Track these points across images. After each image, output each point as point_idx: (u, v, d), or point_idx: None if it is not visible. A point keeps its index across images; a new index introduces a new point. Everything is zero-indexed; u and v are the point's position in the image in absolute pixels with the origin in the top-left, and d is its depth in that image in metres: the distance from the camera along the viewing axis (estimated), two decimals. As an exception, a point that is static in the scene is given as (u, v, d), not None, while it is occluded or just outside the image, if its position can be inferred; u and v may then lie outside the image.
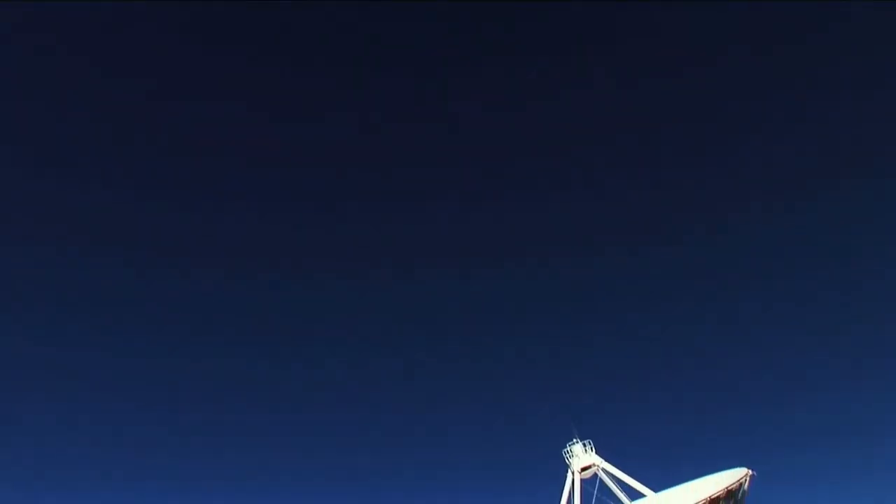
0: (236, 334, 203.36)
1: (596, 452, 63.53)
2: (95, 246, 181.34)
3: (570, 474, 63.11)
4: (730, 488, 55.47)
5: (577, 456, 63.56)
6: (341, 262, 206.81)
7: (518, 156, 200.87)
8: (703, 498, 54.22)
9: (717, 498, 54.61)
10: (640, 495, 62.01)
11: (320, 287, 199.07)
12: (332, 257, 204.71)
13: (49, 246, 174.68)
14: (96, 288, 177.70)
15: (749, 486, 56.89)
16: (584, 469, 62.89)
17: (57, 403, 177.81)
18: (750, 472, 57.16)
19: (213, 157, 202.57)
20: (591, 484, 62.62)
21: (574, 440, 64.57)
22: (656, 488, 62.89)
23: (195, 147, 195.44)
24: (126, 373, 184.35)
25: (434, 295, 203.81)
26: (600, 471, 62.26)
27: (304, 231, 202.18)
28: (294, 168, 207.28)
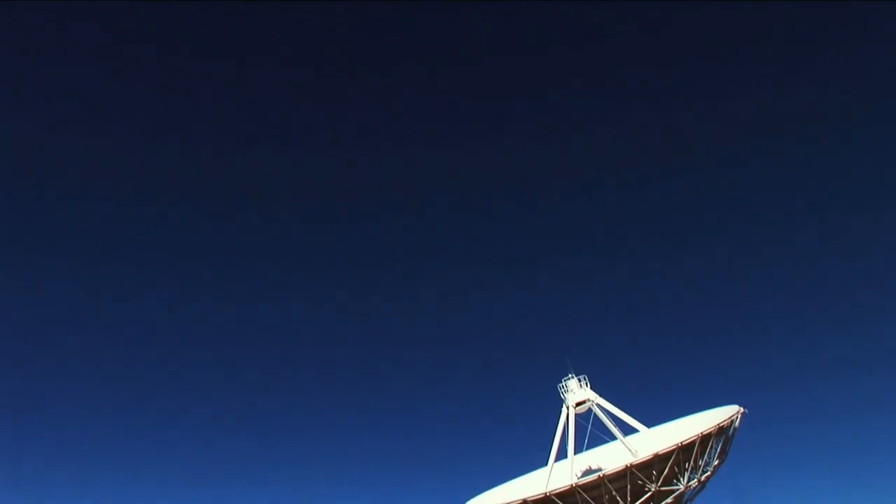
0: (236, 272, 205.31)
1: (591, 388, 64.02)
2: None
3: (564, 409, 63.61)
4: (721, 425, 56.34)
5: (572, 391, 63.99)
6: (338, 200, 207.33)
7: (514, 95, 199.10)
8: (694, 434, 55.06)
9: (709, 434, 55.46)
10: (634, 430, 62.83)
11: (320, 224, 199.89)
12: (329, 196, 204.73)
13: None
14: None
15: (740, 424, 57.78)
16: (578, 404, 63.36)
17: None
18: (741, 409, 57.97)
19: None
20: (586, 419, 63.46)
21: (569, 375, 64.96)
22: (649, 424, 63.90)
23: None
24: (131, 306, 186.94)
25: (433, 232, 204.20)
26: (594, 406, 62.78)
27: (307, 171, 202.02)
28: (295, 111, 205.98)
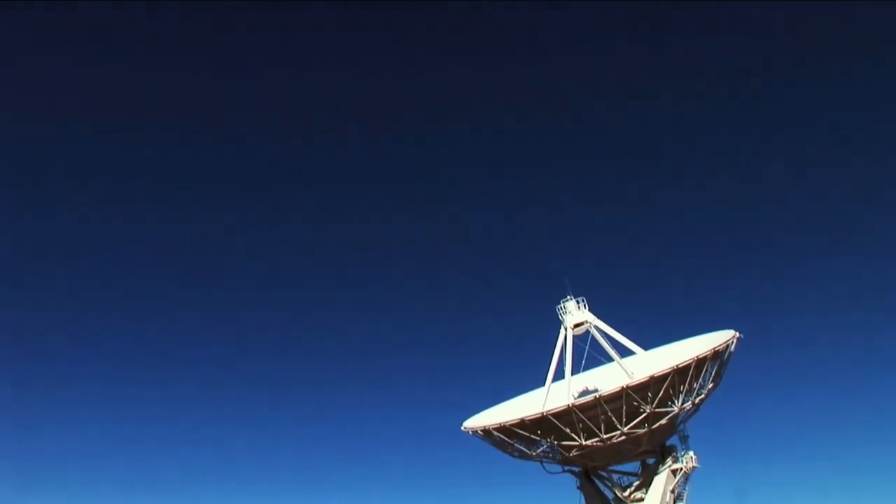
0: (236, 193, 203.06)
1: (589, 310, 64.48)
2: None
3: (562, 330, 64.22)
4: (717, 349, 57.33)
5: (570, 312, 64.38)
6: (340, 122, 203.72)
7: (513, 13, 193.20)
8: (690, 357, 55.97)
9: (704, 358, 56.37)
10: (630, 353, 63.55)
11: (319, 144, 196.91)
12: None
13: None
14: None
15: (735, 348, 58.68)
16: (576, 326, 63.88)
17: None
18: (737, 334, 58.73)
19: None
20: (584, 340, 64.06)
21: (568, 297, 65.21)
22: (646, 347, 64.68)
23: None
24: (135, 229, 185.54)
25: (435, 151, 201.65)
26: (592, 328, 63.28)
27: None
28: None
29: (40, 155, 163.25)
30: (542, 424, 58.31)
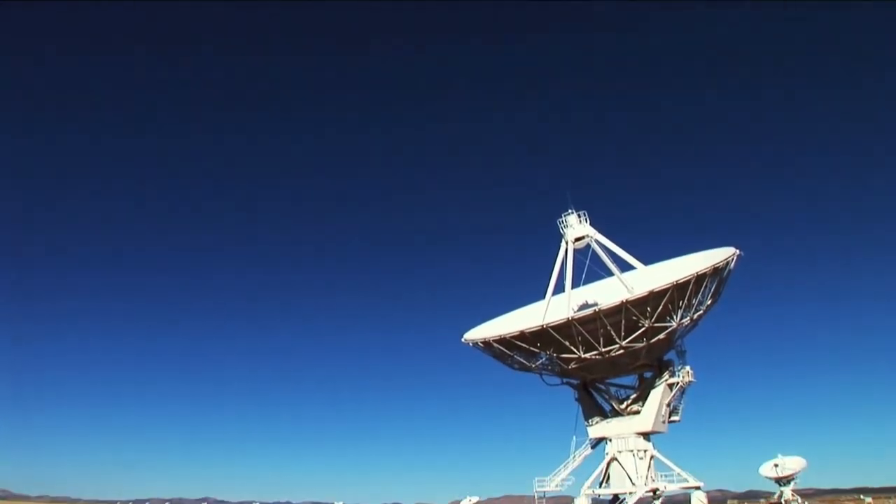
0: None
1: (590, 224, 64.40)
2: None
3: (563, 244, 64.34)
4: (716, 266, 57.36)
5: (571, 226, 64.42)
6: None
7: None
8: (690, 273, 56.08)
9: (704, 274, 56.57)
10: (631, 268, 63.85)
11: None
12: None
13: None
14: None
15: (735, 265, 58.58)
16: (577, 239, 63.99)
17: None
18: (737, 251, 58.54)
19: None
20: (584, 254, 64.28)
21: (569, 211, 65.17)
22: (646, 262, 64.84)
23: None
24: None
25: (439, 65, 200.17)
26: (593, 242, 63.36)
27: None
28: None
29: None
30: (541, 337, 59.10)
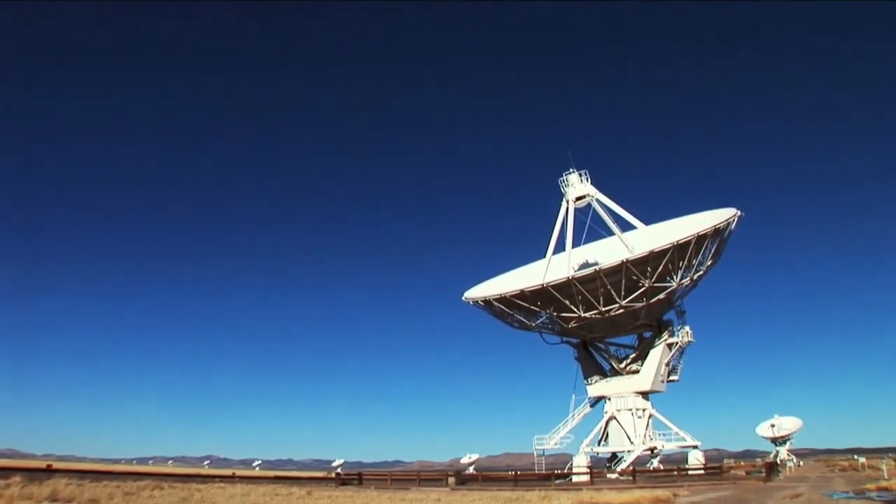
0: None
1: (591, 183, 64.10)
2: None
3: (564, 203, 64.15)
4: (717, 226, 57.23)
5: (572, 185, 64.17)
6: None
7: None
8: (691, 233, 56.04)
9: (705, 235, 56.46)
10: (631, 227, 63.69)
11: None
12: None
13: None
14: None
15: (736, 226, 58.47)
16: (578, 199, 63.79)
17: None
18: (738, 212, 58.38)
19: None
20: (585, 213, 64.13)
21: (570, 170, 64.85)
22: (647, 222, 64.77)
23: None
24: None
25: (439, 23, 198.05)
26: (594, 201, 63.11)
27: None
28: None
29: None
30: (541, 296, 59.25)
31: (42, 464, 55.49)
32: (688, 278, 58.15)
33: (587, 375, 66.25)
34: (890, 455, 79.95)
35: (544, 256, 64.59)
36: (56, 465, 55.31)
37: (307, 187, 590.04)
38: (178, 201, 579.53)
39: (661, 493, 35.24)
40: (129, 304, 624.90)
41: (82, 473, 44.28)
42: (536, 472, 65.61)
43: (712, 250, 58.70)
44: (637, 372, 63.64)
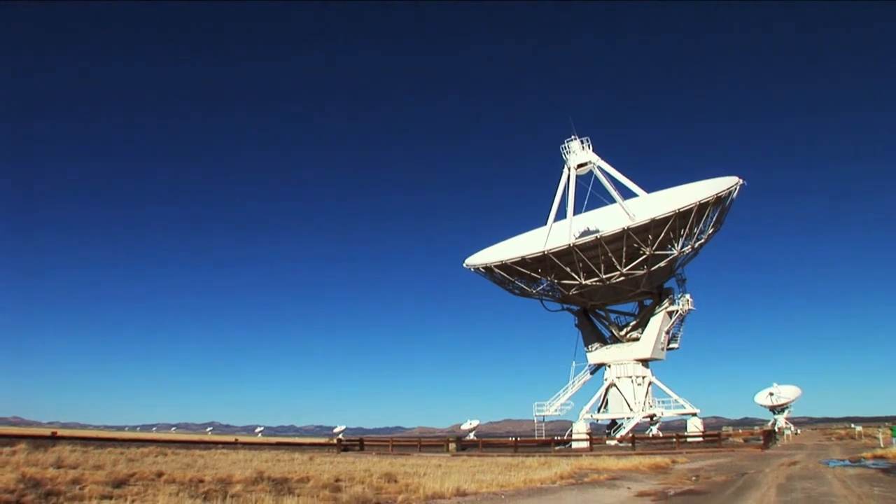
0: None
1: (593, 150, 63.74)
2: None
3: (566, 170, 63.81)
4: (719, 195, 56.95)
5: (574, 152, 63.75)
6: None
7: None
8: (692, 201, 55.81)
9: (706, 203, 56.23)
10: (633, 195, 63.57)
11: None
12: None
13: None
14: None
15: (737, 195, 58.16)
16: (580, 166, 63.43)
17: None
18: (740, 180, 58.04)
19: None
20: (586, 181, 63.90)
21: (572, 137, 64.34)
22: (649, 189, 64.59)
23: None
24: None
25: None
26: (596, 168, 62.81)
27: None
28: None
29: None
30: (542, 263, 59.23)
31: (47, 431, 55.95)
32: (689, 246, 58.02)
33: (587, 343, 66.52)
34: (886, 424, 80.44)
35: (545, 223, 64.49)
36: (61, 432, 55.80)
37: (310, 149, 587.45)
38: (184, 174, 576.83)
39: (659, 459, 35.49)
40: (131, 272, 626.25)
41: (86, 440, 44.67)
42: (536, 438, 66.09)
43: (714, 218, 58.52)
44: (637, 339, 63.87)
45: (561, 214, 63.80)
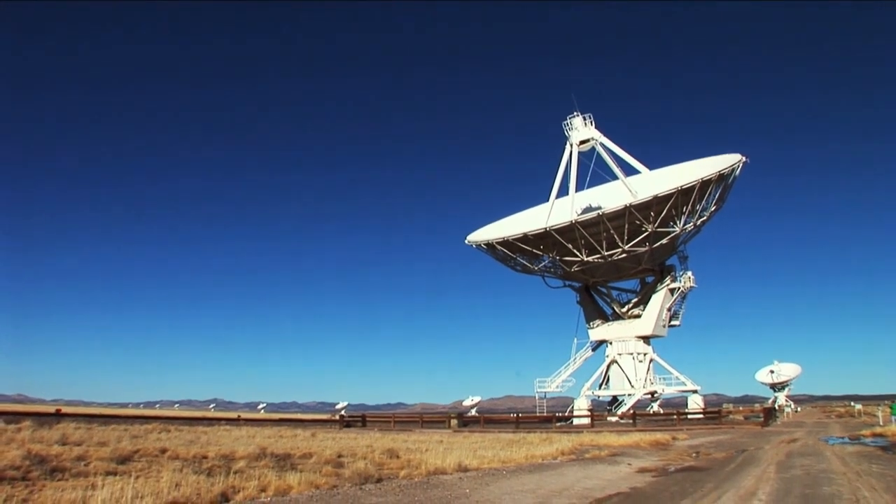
0: None
1: (595, 127, 63.39)
2: None
3: (568, 146, 63.47)
4: (722, 172, 56.72)
5: (576, 129, 63.38)
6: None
7: None
8: (695, 179, 55.62)
9: (709, 180, 56.05)
10: (635, 171, 63.36)
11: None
12: None
13: None
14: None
15: (740, 172, 57.93)
16: (582, 142, 63.06)
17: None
18: (743, 158, 57.77)
19: None
20: (589, 157, 63.61)
21: (574, 113, 64.00)
22: (651, 166, 64.34)
23: None
24: None
25: None
26: (598, 145, 62.48)
27: None
28: None
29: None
30: (544, 239, 59.24)
31: (51, 409, 56.32)
32: (691, 223, 57.87)
33: (589, 319, 66.64)
34: (886, 402, 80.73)
35: (548, 200, 64.31)
36: (65, 409, 56.20)
37: (314, 129, 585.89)
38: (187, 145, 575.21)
39: (660, 436, 35.66)
40: (134, 250, 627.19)
41: (91, 418, 45.02)
42: (538, 414, 66.39)
43: (716, 196, 58.29)
44: (639, 316, 63.98)
45: (563, 191, 63.51)
